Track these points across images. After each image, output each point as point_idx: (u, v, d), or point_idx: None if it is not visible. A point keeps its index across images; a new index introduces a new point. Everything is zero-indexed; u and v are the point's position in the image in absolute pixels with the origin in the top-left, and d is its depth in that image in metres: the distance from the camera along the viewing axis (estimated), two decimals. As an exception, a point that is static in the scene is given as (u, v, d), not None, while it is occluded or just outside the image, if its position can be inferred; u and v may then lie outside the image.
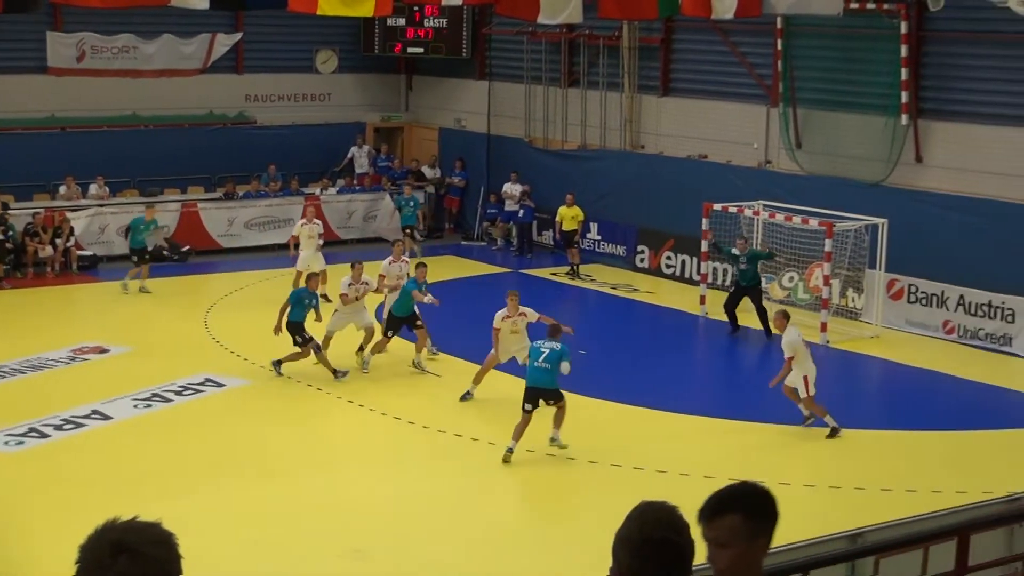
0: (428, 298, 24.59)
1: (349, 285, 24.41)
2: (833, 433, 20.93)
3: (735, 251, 27.97)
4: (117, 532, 3.57)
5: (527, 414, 19.52)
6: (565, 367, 19.65)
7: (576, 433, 20.31)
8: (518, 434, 19.39)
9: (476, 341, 23.89)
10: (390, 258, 25.90)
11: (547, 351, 19.78)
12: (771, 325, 24.40)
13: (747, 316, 27.83)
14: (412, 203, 36.06)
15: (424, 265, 25.83)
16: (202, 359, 24.97)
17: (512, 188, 36.48)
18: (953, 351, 26.56)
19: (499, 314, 22.44)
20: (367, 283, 24.79)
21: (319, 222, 30.80)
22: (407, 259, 25.91)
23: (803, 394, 21.01)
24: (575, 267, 33.50)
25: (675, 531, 4.12)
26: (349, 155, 39.52)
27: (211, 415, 21.95)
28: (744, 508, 4.41)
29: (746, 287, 27.83)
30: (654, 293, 31.70)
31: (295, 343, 23.56)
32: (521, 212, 36.12)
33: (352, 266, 24.91)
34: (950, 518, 12.29)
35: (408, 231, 35.07)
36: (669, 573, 4.13)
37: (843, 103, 30.07)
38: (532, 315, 22.53)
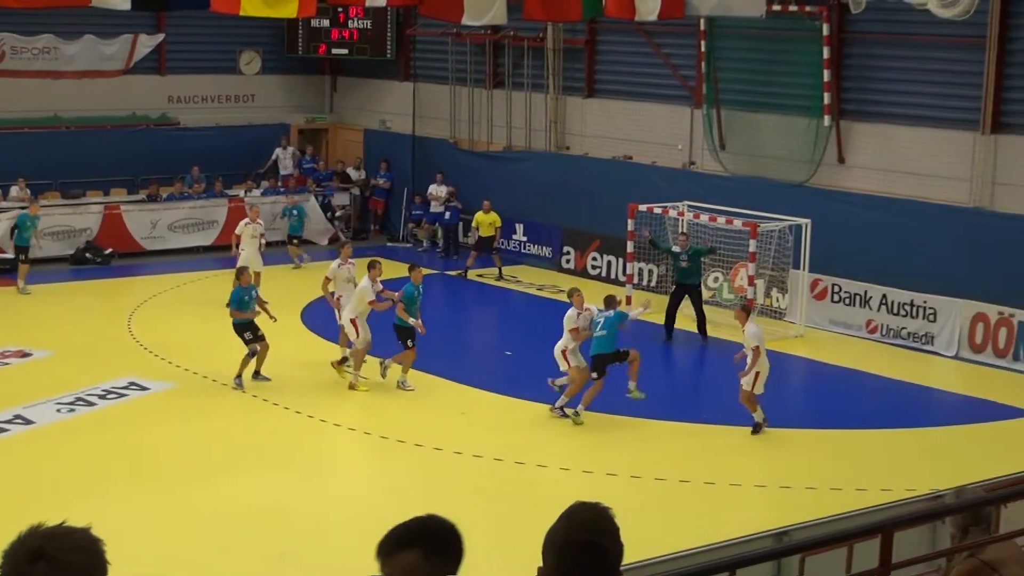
0: (415, 322, 23.37)
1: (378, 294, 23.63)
2: (756, 429, 21.04)
3: (675, 248, 27.86)
4: (38, 539, 3.49)
5: (598, 379, 21.37)
6: (632, 315, 22.48)
7: (504, 434, 20.35)
8: (589, 399, 21.32)
9: (399, 342, 23.79)
10: (338, 260, 25.52)
11: (602, 320, 21.58)
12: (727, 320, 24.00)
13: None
14: (296, 212, 35.53)
15: (378, 263, 25.31)
16: (126, 362, 24.77)
17: (437, 189, 36.44)
18: (876, 350, 26.81)
19: (570, 313, 22.45)
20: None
21: (262, 222, 30.58)
22: (353, 261, 25.61)
23: (747, 387, 21.03)
24: (500, 270, 33.39)
25: (601, 533, 4.06)
26: (273, 157, 39.33)
27: (136, 419, 21.76)
28: (424, 545, 4.10)
29: (687, 286, 27.65)
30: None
31: (245, 343, 23.15)
32: (447, 214, 36.09)
33: (369, 267, 23.99)
34: (874, 516, 12.44)
35: (295, 241, 34.82)
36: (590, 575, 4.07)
37: (766, 104, 30.30)
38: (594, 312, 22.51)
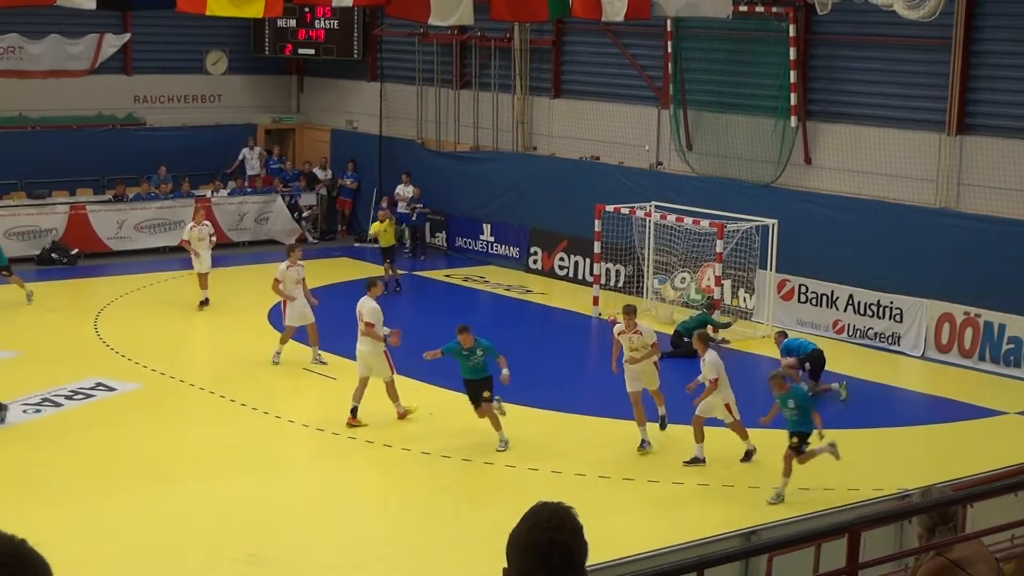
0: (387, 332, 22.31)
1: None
2: (747, 457, 20.20)
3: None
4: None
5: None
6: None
7: (472, 434, 20.36)
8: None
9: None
10: (287, 262, 25.51)
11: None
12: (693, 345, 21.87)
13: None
14: None
15: (297, 247, 26.10)
16: (93, 363, 24.69)
17: (404, 190, 36.40)
18: (843, 350, 26.88)
19: (617, 328, 20.94)
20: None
21: (208, 223, 30.44)
22: (303, 264, 25.60)
23: (730, 418, 19.93)
24: (397, 281, 31.63)
25: (564, 532, 4.04)
26: (240, 157, 39.23)
27: (103, 419, 21.69)
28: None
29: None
30: (547, 294, 31.80)
31: None
32: (415, 216, 36.02)
33: (369, 286, 22.68)
34: (841, 516, 12.50)
35: None
36: (555, 574, 4.04)
37: (733, 105, 30.39)
38: (648, 333, 20.77)
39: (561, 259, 33.38)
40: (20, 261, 33.17)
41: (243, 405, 22.40)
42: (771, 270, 28.19)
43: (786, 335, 24.85)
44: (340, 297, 30.15)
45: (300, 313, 24.96)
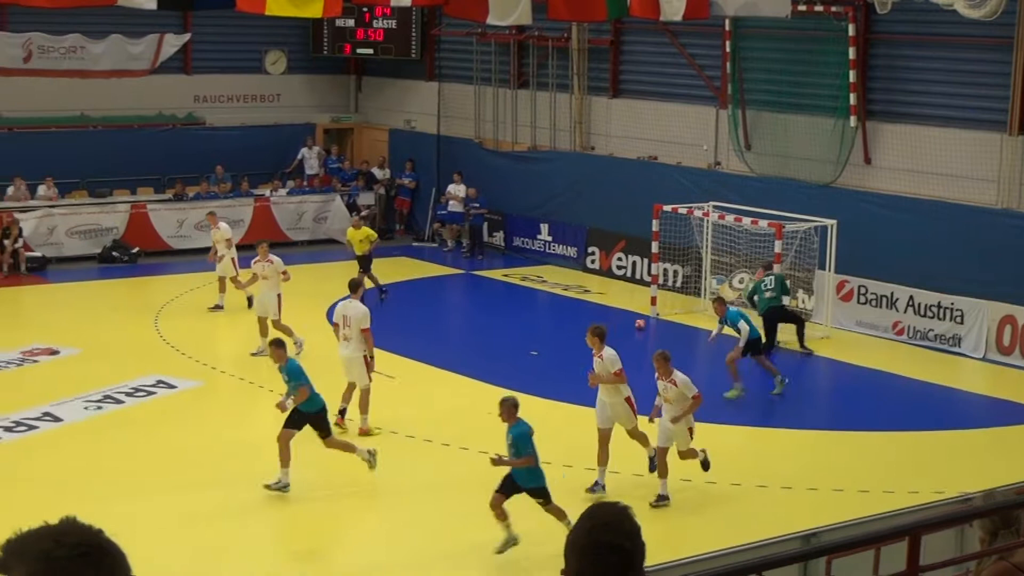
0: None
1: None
2: (705, 466, 18.89)
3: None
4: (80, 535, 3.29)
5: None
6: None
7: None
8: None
9: (426, 341, 23.87)
10: (256, 257, 25.96)
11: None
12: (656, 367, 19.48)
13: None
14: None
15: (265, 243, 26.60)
16: (153, 360, 24.87)
17: (456, 189, 36.49)
18: (903, 352, 26.74)
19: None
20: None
21: (225, 226, 29.73)
22: (272, 259, 25.71)
23: (688, 445, 18.51)
24: (381, 289, 30.01)
25: (622, 534, 4.01)
26: (299, 156, 39.42)
27: (163, 416, 21.85)
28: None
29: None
30: (605, 294, 31.77)
31: None
32: (471, 216, 36.06)
33: (354, 288, 22.23)
34: (901, 518, 12.43)
35: None
36: None
37: (792, 105, 30.24)
38: (684, 384, 18.30)
39: (619, 259, 33.34)
40: (82, 259, 33.54)
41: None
42: (830, 271, 28.05)
43: (725, 303, 23.84)
44: (398, 296, 30.33)
45: (262, 305, 25.55)
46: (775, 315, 25.98)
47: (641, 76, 34.56)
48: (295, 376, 18.50)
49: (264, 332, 25.05)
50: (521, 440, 16.13)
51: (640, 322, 28.55)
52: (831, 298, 28.24)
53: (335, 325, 21.42)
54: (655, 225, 29.72)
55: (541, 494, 16.21)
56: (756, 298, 26.20)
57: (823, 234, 28.00)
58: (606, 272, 33.49)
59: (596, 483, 18.62)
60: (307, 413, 18.43)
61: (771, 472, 19.57)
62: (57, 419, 21.36)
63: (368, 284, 27.04)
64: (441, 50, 39.32)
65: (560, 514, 16.13)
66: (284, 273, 25.64)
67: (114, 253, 34.16)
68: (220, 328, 27.76)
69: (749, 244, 28.81)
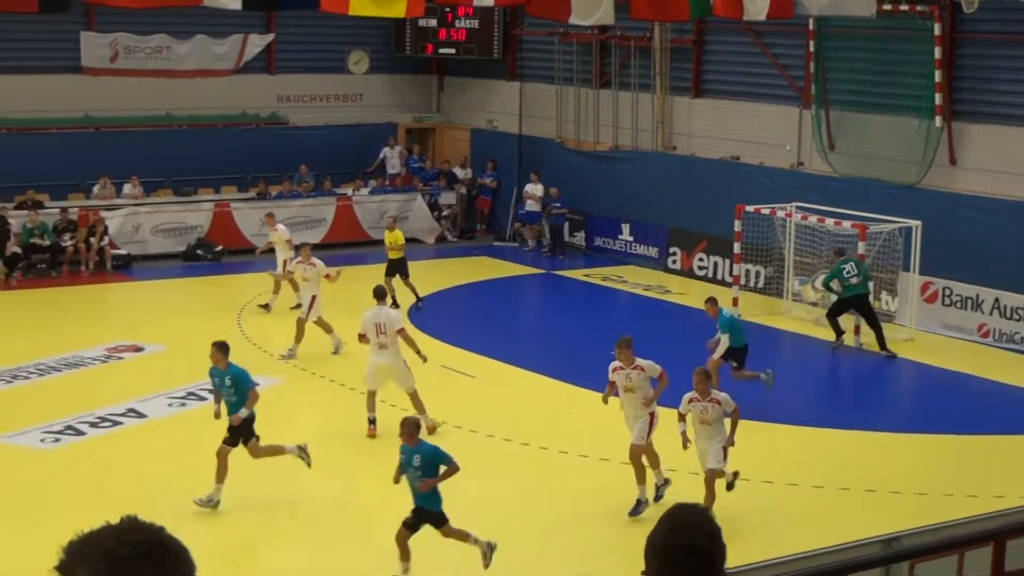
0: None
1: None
2: (659, 494, 17.95)
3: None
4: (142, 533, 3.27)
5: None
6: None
7: (609, 434, 20.33)
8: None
9: (506, 340, 23.90)
10: (298, 258, 26.38)
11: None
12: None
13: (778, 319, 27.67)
14: None
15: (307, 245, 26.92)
16: (236, 358, 24.93)
17: (533, 188, 36.50)
18: (988, 354, 26.42)
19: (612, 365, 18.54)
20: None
21: (281, 227, 29.63)
22: (315, 262, 25.82)
23: (717, 465, 17.14)
24: (418, 299, 29.30)
25: (702, 536, 3.99)
26: (381, 156, 39.60)
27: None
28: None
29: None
30: (686, 295, 31.64)
31: None
32: (552, 215, 36.02)
33: (381, 296, 21.96)
34: (987, 523, 12.27)
35: None
36: None
37: (876, 105, 29.98)
38: (725, 401, 17.42)
39: (700, 259, 33.21)
40: (166, 257, 33.87)
41: (382, 401, 22.54)
42: (914, 272, 27.78)
43: (717, 304, 22.92)
44: (480, 296, 30.40)
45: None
46: (862, 302, 25.98)
47: (724, 76, 34.41)
48: (244, 381, 17.83)
49: (328, 330, 25.31)
50: (438, 457, 15.55)
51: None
52: (915, 300, 27.97)
53: (362, 336, 20.91)
54: (737, 225, 29.58)
55: (439, 519, 15.52)
56: (835, 284, 26.18)
57: (907, 235, 27.75)
58: (687, 272, 33.38)
59: (658, 486, 17.80)
60: (241, 421, 17.88)
61: (853, 475, 19.41)
62: (141, 415, 21.60)
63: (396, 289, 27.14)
64: (523, 50, 39.36)
65: (463, 536, 15.63)
66: (328, 275, 25.72)
67: (198, 251, 34.47)
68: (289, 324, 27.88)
69: (832, 245, 28.59)
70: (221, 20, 35.43)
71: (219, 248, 34.68)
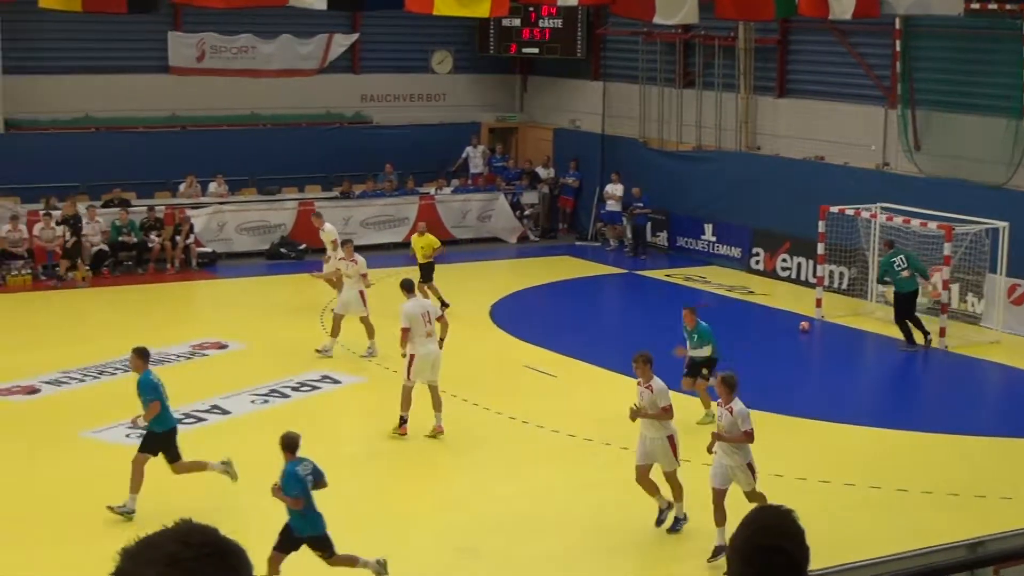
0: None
1: None
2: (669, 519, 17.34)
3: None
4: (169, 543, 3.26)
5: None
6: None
7: (684, 432, 20.27)
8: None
9: (588, 340, 23.90)
10: (341, 254, 26.13)
11: None
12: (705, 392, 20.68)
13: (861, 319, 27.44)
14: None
15: (349, 241, 26.53)
16: (319, 356, 25.19)
17: (614, 188, 36.44)
18: (1076, 357, 26.09)
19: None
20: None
21: (361, 259, 26.33)
22: (357, 258, 25.66)
23: (748, 487, 16.40)
24: (443, 304, 27.44)
25: (787, 538, 3.96)
26: (464, 155, 39.70)
27: (328, 412, 22.16)
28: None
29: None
30: (769, 295, 31.47)
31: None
32: (634, 215, 35.92)
33: (409, 290, 21.77)
34: (1073, 528, 12.12)
35: None
36: None
37: (963, 105, 29.65)
38: (739, 415, 16.31)
39: (784, 260, 33.01)
40: (250, 255, 34.15)
41: (464, 400, 22.62)
42: (1001, 274, 27.46)
43: (695, 314, 21.68)
44: (562, 296, 30.37)
45: (344, 303, 25.47)
46: (911, 300, 25.87)
47: (809, 75, 34.18)
48: (146, 391, 17.11)
49: (336, 332, 25.19)
50: (287, 479, 14.75)
51: (805, 324, 28.21)
52: (1002, 302, 27.65)
53: (406, 330, 20.64)
54: (821, 226, 29.36)
55: (320, 544, 14.75)
56: (888, 278, 26.13)
57: (994, 236, 27.42)
58: (770, 273, 33.19)
59: (677, 519, 17.07)
60: (158, 433, 17.33)
61: (938, 478, 19.22)
62: (225, 412, 21.80)
63: (430, 296, 26.53)
64: (606, 49, 39.31)
65: (351, 561, 14.99)
66: (364, 276, 25.60)
67: (282, 250, 34.71)
68: (383, 325, 28.00)
69: (917, 246, 28.32)
70: (306, 20, 35.67)
71: (302, 246, 34.89)
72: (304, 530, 14.71)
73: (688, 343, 21.32)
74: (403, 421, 20.67)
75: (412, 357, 20.58)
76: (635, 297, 32.60)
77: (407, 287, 21.40)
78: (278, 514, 14.91)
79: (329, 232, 28.68)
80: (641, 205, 35.79)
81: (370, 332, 25.13)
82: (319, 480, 14.88)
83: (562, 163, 39.53)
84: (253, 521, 15.61)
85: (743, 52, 34.93)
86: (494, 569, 16.08)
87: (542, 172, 39.73)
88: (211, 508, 16.05)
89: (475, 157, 39.77)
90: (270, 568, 14.48)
